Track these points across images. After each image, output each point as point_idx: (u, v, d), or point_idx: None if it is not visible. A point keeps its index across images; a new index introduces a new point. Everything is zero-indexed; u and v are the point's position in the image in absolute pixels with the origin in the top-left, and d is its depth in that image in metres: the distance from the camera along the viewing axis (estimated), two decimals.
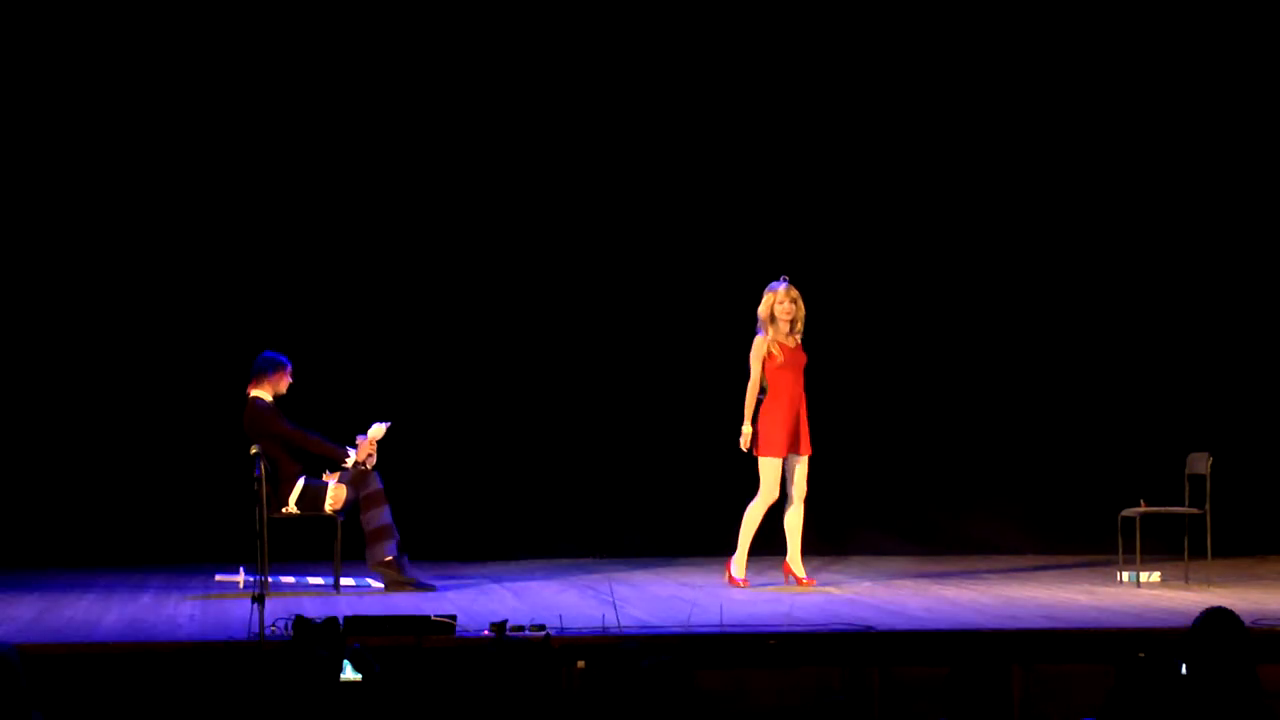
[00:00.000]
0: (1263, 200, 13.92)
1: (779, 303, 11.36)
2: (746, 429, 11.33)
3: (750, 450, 11.35)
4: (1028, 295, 13.84)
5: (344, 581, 11.16)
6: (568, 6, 13.55)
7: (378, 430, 11.29)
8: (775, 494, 11.31)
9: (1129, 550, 11.51)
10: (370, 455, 11.23)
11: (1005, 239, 13.83)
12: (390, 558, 11.10)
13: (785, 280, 11.40)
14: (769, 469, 11.31)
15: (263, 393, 11.23)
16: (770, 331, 11.38)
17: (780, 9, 13.71)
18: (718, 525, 13.49)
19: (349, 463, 11.22)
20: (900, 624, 9.23)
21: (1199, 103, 13.85)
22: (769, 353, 11.36)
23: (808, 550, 11.52)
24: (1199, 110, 13.85)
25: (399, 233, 13.44)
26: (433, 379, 13.31)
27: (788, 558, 11.44)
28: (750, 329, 12.52)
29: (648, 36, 13.61)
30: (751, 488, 13.54)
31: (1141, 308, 13.84)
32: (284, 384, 11.28)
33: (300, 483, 11.15)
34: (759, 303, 11.42)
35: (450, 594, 10.89)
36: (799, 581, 11.34)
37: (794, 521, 11.38)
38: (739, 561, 11.41)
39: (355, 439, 11.24)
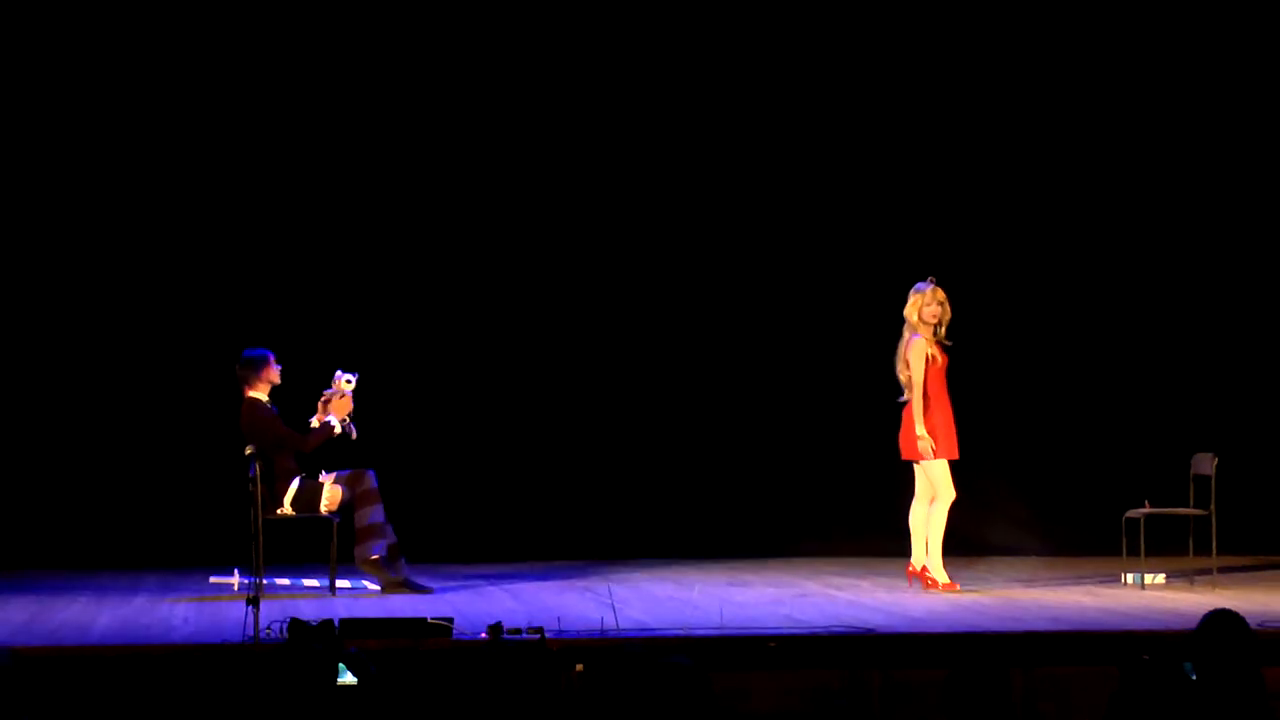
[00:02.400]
0: (1266, 201, 13.89)
1: (926, 305, 11.06)
2: (925, 435, 10.99)
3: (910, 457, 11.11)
4: (1031, 295, 13.81)
5: (340, 583, 11.09)
6: None
7: (342, 384, 11.19)
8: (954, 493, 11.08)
9: (1133, 551, 11.46)
10: (346, 406, 11.13)
11: (1006, 239, 13.80)
12: (376, 557, 10.99)
13: (931, 282, 11.10)
14: (945, 471, 11.00)
15: (259, 393, 11.16)
16: (920, 334, 11.08)
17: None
18: (717, 525, 13.47)
19: (337, 430, 11.12)
20: (901, 626, 9.18)
21: (1199, 105, 13.82)
22: (929, 356, 11.05)
23: (813, 552, 11.44)
24: (1199, 112, 13.82)
25: (398, 234, 13.41)
26: (432, 379, 13.28)
27: (926, 559, 11.08)
28: (748, 329, 12.53)
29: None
30: (751, 488, 13.53)
31: (1146, 308, 13.82)
32: (275, 375, 11.19)
33: (295, 482, 11.08)
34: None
35: (447, 596, 10.84)
36: (936, 585, 11.02)
37: (925, 519, 11.09)
38: (938, 566, 11.06)
39: (320, 401, 11.20)
